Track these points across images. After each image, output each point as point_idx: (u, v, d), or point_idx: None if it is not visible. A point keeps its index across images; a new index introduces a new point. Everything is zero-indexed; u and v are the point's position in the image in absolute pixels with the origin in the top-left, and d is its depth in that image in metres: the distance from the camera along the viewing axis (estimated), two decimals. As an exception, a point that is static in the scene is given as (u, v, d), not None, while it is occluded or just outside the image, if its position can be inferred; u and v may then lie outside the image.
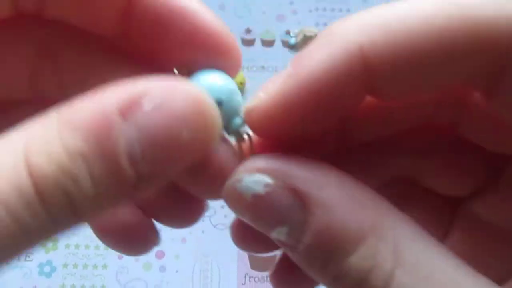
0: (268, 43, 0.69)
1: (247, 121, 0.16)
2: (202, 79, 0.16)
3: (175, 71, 0.17)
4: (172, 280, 0.58)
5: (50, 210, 0.12)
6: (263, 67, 0.67)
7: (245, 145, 0.17)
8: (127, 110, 0.12)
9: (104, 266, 0.58)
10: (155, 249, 0.59)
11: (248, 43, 0.68)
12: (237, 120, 0.16)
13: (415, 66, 0.14)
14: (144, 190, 0.13)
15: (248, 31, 0.69)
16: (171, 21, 0.16)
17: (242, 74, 0.65)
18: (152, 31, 0.17)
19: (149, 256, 0.58)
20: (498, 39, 0.14)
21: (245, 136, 0.17)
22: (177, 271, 0.58)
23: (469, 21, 0.14)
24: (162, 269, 0.58)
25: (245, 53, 0.68)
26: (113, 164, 0.12)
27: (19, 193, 0.11)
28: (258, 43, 0.69)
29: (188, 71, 0.17)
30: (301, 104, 0.15)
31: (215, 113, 0.14)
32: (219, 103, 0.15)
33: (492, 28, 0.14)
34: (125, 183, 0.13)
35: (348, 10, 0.71)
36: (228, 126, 0.16)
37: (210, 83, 0.16)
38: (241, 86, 0.65)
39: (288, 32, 0.69)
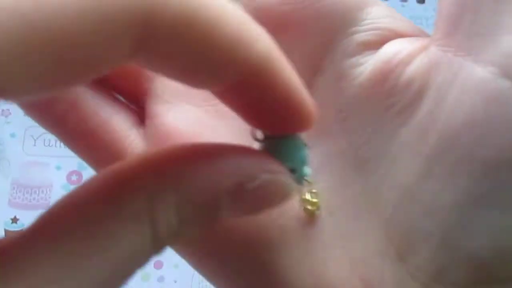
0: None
1: None
2: (281, 148, 0.17)
3: (257, 135, 0.17)
4: (170, 290, 0.57)
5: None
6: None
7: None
8: (234, 193, 0.15)
9: (102, 277, 0.57)
10: (154, 259, 0.59)
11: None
12: (305, 172, 0.17)
13: None
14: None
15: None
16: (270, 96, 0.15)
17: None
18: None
19: (148, 266, 0.58)
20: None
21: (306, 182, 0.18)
22: (175, 281, 0.57)
23: None
24: (161, 279, 0.58)
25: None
26: (211, 220, 0.15)
27: None
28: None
29: (260, 134, 0.17)
30: None
31: (292, 194, 0.16)
32: (293, 171, 0.16)
33: None
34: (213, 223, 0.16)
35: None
36: (296, 179, 0.17)
37: (290, 154, 0.17)
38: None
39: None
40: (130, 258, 0.14)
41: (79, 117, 0.19)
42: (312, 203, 0.18)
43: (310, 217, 0.18)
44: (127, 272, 0.14)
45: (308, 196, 0.18)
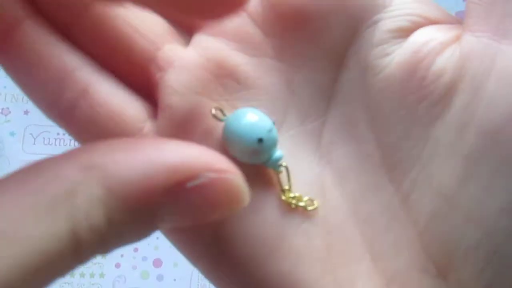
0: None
1: None
2: (244, 119, 0.17)
3: (213, 111, 0.17)
4: (170, 288, 0.57)
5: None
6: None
7: (283, 176, 0.17)
8: (172, 192, 0.13)
9: (101, 275, 0.57)
10: (153, 257, 0.59)
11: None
12: (277, 155, 0.17)
13: None
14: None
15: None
16: None
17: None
18: None
19: (147, 265, 0.58)
20: None
21: (283, 169, 0.17)
22: (175, 280, 0.57)
23: None
24: (160, 277, 0.58)
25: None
26: (141, 226, 0.13)
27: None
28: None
29: (223, 110, 0.17)
30: None
31: (247, 199, 0.14)
32: (260, 140, 0.16)
33: None
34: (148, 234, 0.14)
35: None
36: (268, 160, 0.17)
37: (251, 122, 0.17)
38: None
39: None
40: (44, 260, 0.11)
41: (88, 106, 0.17)
42: (296, 198, 0.17)
43: (304, 211, 0.17)
44: (42, 276, 0.11)
45: (286, 187, 0.17)
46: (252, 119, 0.17)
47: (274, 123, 0.17)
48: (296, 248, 0.16)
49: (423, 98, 0.16)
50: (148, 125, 0.18)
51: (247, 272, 0.16)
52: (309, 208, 0.17)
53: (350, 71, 0.17)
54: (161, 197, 0.13)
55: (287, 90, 0.18)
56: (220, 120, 0.17)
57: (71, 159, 0.13)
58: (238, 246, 0.16)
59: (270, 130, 0.17)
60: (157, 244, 0.58)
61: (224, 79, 0.17)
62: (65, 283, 0.56)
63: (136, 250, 0.58)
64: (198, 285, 0.57)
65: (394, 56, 0.16)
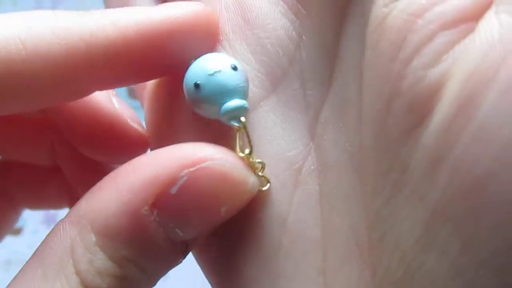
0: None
1: None
2: (193, 63, 0.15)
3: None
4: (175, 288, 0.57)
5: None
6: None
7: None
8: (157, 203, 0.13)
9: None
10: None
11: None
12: (228, 105, 0.14)
13: None
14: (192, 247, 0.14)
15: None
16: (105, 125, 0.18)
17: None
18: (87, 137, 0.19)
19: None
20: None
21: (237, 124, 0.14)
22: (180, 279, 0.57)
23: None
24: (166, 277, 0.57)
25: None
26: (159, 252, 0.13)
27: None
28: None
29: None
30: None
31: (247, 177, 0.13)
32: (197, 86, 0.14)
33: None
34: (175, 258, 0.14)
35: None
36: (218, 112, 0.14)
37: (194, 66, 0.15)
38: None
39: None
40: None
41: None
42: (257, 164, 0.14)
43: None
44: None
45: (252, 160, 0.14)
46: (199, 61, 0.14)
47: (235, 67, 0.14)
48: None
49: (398, 96, 0.11)
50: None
51: None
52: (261, 187, 0.14)
53: (352, 25, 0.14)
54: (150, 216, 0.13)
55: (293, 44, 0.15)
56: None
57: (69, 214, 0.13)
58: (242, 267, 0.15)
59: (212, 74, 0.14)
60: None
61: (234, 15, 0.16)
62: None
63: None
64: (203, 284, 0.56)
65: (391, 11, 0.11)
